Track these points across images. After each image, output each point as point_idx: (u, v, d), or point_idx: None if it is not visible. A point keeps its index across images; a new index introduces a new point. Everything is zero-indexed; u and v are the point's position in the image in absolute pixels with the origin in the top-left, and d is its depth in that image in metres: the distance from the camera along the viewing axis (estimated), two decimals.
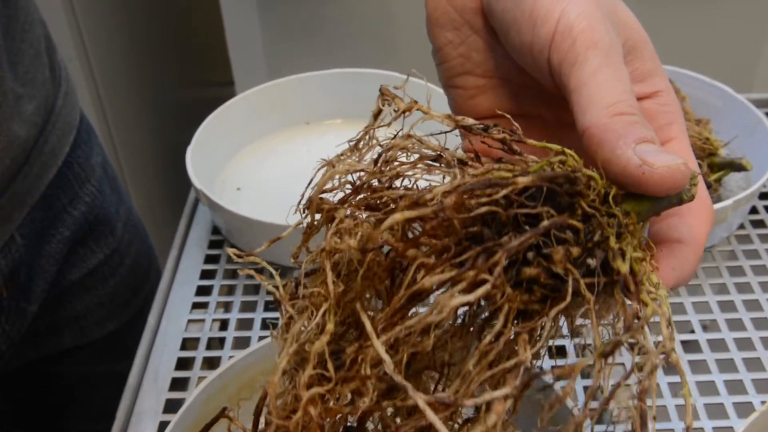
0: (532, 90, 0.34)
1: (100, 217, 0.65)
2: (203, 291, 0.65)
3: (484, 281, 0.25)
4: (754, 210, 0.70)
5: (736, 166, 0.66)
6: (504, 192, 0.26)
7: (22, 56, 0.54)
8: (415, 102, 0.29)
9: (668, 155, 0.27)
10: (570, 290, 0.26)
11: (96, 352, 0.69)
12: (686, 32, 1.13)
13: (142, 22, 1.32)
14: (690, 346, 0.58)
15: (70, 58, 1.02)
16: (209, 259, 0.68)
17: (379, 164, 0.29)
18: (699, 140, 0.67)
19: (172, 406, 0.55)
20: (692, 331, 0.59)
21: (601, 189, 0.28)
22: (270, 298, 0.63)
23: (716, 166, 0.67)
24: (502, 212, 0.26)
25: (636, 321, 0.27)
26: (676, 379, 0.55)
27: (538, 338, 0.27)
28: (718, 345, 0.58)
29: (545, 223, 0.26)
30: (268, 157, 0.79)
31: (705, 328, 0.60)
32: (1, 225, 0.53)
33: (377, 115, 0.29)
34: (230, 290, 0.66)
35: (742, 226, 0.68)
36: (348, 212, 0.28)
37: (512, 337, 0.26)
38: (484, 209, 0.26)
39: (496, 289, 0.26)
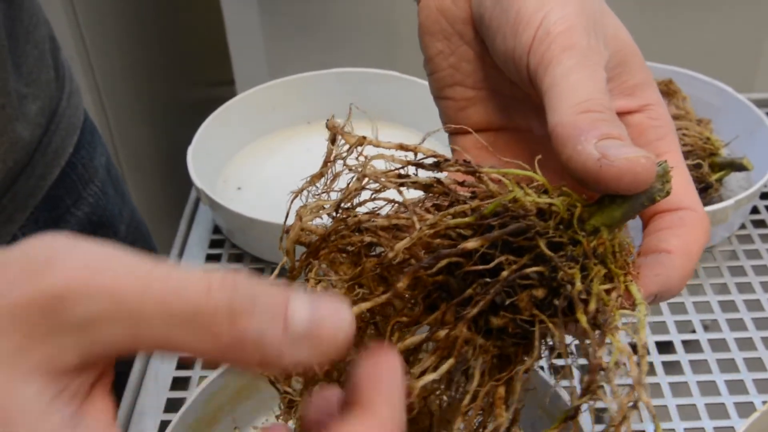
0: (523, 103, 0.34)
1: (103, 219, 0.65)
2: None
3: (455, 338, 0.26)
4: (755, 210, 0.70)
5: (737, 166, 0.66)
6: (453, 257, 0.26)
7: (26, 57, 0.54)
8: (364, 138, 0.28)
9: (630, 148, 0.26)
10: (537, 342, 0.26)
11: None
12: (687, 32, 1.13)
13: (143, 21, 1.32)
14: (691, 346, 0.58)
15: (70, 58, 1.02)
16: (210, 258, 0.68)
17: (339, 213, 0.28)
18: (700, 140, 0.67)
19: (173, 405, 0.55)
20: (693, 331, 0.59)
21: (563, 214, 0.27)
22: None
23: (717, 166, 0.67)
24: (464, 261, 0.26)
25: (601, 372, 0.26)
26: (677, 378, 0.55)
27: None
28: (719, 345, 0.58)
29: (505, 273, 0.26)
30: (268, 157, 0.79)
31: (706, 327, 0.60)
32: (4, 226, 0.53)
33: (331, 151, 0.29)
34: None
35: (743, 226, 0.68)
36: (316, 281, 0.28)
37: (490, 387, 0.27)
38: (444, 262, 0.26)
39: (469, 344, 0.26)
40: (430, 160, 0.28)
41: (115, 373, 0.63)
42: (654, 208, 0.30)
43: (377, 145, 0.28)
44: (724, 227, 0.65)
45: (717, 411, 0.53)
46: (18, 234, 0.55)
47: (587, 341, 0.26)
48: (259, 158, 0.79)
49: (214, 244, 0.70)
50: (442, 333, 0.26)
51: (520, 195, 0.27)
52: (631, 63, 0.31)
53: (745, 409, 0.53)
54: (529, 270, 0.26)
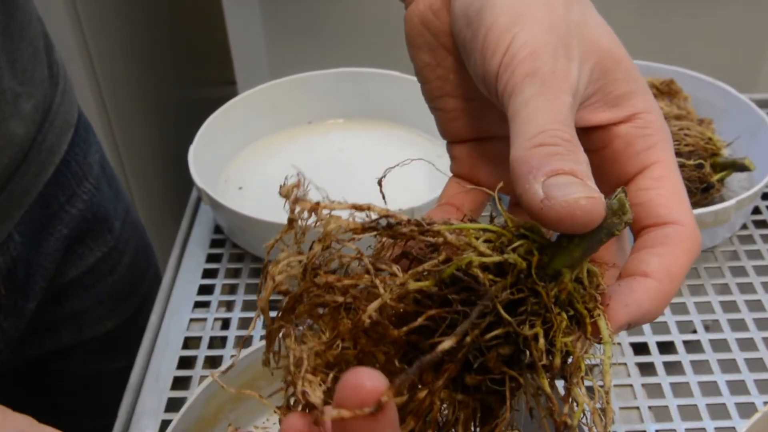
0: None
1: (98, 215, 0.65)
2: (205, 290, 0.65)
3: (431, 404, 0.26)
4: (756, 210, 0.69)
5: (738, 167, 0.66)
6: (433, 360, 0.25)
7: (20, 54, 0.54)
8: (318, 204, 0.28)
9: (576, 188, 0.25)
10: (508, 402, 0.26)
11: (94, 350, 0.69)
12: (689, 32, 1.13)
13: (145, 21, 1.32)
14: (692, 347, 0.58)
15: (72, 58, 1.02)
16: (211, 258, 0.68)
17: (307, 276, 0.28)
18: (701, 140, 0.67)
19: (173, 405, 0.55)
20: (694, 332, 0.59)
21: (521, 265, 0.26)
22: (272, 297, 0.63)
23: (719, 166, 0.66)
24: (433, 325, 0.26)
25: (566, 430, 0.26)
26: (678, 379, 0.55)
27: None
28: (720, 345, 0.58)
29: (468, 339, 0.25)
30: (270, 157, 0.79)
31: (707, 328, 0.60)
32: (1, 224, 0.53)
33: (293, 210, 0.28)
34: (232, 289, 0.66)
35: (744, 227, 0.68)
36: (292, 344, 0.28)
37: None
38: (404, 330, 0.26)
39: (448, 403, 0.26)
40: (383, 221, 0.28)
41: (117, 371, 0.62)
42: (641, 223, 0.29)
43: (331, 208, 0.28)
44: (726, 227, 0.65)
45: (718, 411, 0.53)
46: (13, 232, 0.55)
47: (550, 401, 0.26)
48: (260, 158, 0.79)
49: (215, 243, 0.70)
50: (422, 394, 0.26)
51: (474, 258, 0.26)
52: (614, 72, 0.30)
53: (746, 409, 0.53)
54: (489, 335, 0.26)
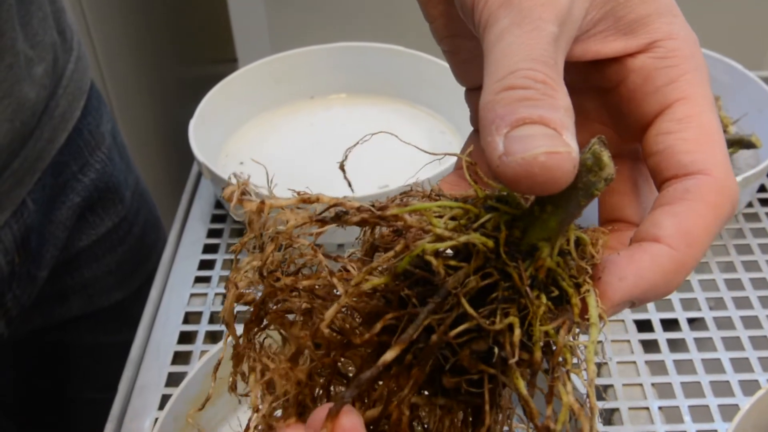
0: None
1: (109, 185, 0.66)
2: (206, 265, 0.65)
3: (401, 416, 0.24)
4: (762, 188, 0.69)
5: (745, 144, 0.65)
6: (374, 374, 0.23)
7: (30, 18, 0.54)
8: (263, 202, 0.25)
9: (540, 141, 0.21)
10: (487, 407, 0.24)
11: (102, 321, 0.70)
12: (697, 9, 1.11)
13: None
14: (697, 324, 0.57)
15: None
16: (212, 233, 0.68)
17: (265, 278, 0.26)
18: None
19: (174, 380, 0.55)
20: (699, 309, 0.59)
21: (483, 247, 0.23)
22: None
23: (725, 143, 0.66)
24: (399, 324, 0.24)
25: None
26: (682, 356, 0.55)
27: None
28: (724, 323, 0.57)
29: (434, 338, 0.23)
30: (271, 132, 0.78)
31: (711, 306, 0.59)
32: (14, 189, 0.54)
33: (250, 221, 0.26)
34: (233, 265, 0.65)
35: (750, 204, 0.67)
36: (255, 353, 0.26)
37: None
38: (366, 338, 0.24)
39: (429, 410, 0.25)
40: (332, 212, 0.25)
41: (117, 345, 0.62)
42: (662, 175, 0.25)
43: (279, 206, 0.25)
44: None
45: (722, 389, 0.53)
46: (27, 200, 0.55)
47: (527, 404, 0.23)
48: (261, 133, 0.78)
49: (215, 218, 0.69)
50: (393, 407, 0.24)
51: (426, 246, 0.23)
52: None
53: (749, 387, 0.53)
54: (455, 331, 0.22)
